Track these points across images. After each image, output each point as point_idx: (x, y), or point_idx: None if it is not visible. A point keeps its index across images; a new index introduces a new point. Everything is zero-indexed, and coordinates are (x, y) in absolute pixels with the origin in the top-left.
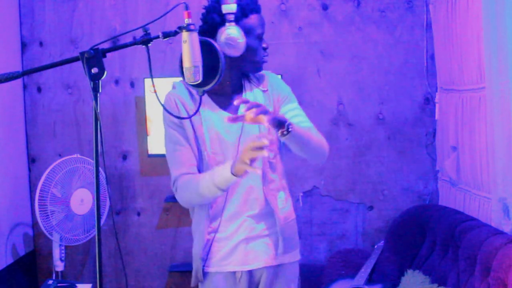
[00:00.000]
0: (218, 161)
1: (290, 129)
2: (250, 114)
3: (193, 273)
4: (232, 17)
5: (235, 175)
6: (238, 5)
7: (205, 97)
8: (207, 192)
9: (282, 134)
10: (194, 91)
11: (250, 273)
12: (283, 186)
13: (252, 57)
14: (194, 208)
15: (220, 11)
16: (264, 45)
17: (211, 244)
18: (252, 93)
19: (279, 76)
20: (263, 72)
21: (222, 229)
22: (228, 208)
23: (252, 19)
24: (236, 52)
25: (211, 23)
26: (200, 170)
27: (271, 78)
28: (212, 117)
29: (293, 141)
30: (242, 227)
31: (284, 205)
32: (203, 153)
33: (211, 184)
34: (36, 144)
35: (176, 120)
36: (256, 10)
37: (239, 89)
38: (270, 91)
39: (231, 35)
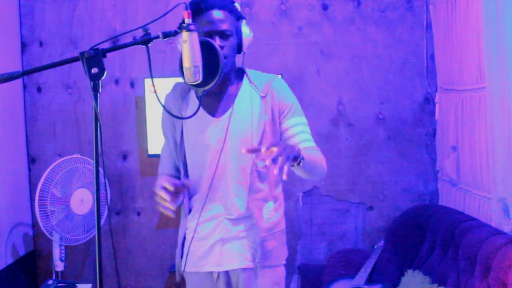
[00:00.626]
0: (194, 163)
1: (301, 163)
2: (268, 158)
3: (176, 269)
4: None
5: None
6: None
7: (193, 99)
8: None
9: (292, 165)
10: (192, 92)
11: (227, 274)
12: (274, 195)
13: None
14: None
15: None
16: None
17: (189, 244)
18: (249, 97)
19: (279, 78)
20: (271, 76)
21: (199, 229)
22: (207, 210)
23: (199, 20)
24: None
25: None
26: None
27: (276, 84)
28: (194, 119)
29: (301, 170)
30: (218, 228)
31: (271, 215)
32: (178, 154)
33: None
34: (36, 144)
35: (165, 127)
36: (201, 9)
37: (234, 91)
38: (269, 98)
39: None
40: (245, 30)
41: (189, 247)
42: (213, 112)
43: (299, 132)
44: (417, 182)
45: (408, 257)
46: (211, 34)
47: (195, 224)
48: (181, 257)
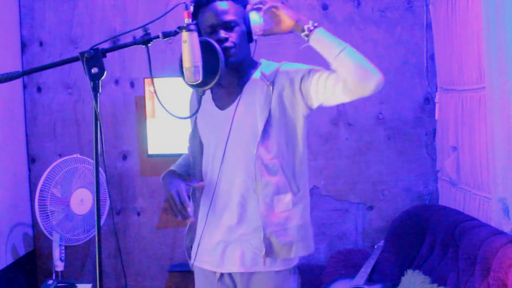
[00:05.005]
0: (206, 155)
1: (309, 33)
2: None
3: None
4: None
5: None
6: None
7: (208, 94)
8: None
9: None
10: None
11: (230, 275)
12: (294, 187)
13: None
14: None
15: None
16: (218, 37)
17: (199, 239)
18: (257, 88)
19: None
20: (277, 64)
21: (207, 225)
22: (212, 207)
23: (201, 15)
24: None
25: None
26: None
27: (283, 66)
28: (204, 113)
29: (319, 47)
30: (223, 228)
31: (286, 208)
32: (197, 147)
33: None
34: (36, 144)
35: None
36: (202, 3)
37: (242, 82)
38: (276, 83)
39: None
40: (254, 16)
41: (199, 241)
42: (220, 104)
43: (318, 78)
44: (417, 182)
45: (408, 257)
46: (215, 27)
47: (204, 221)
48: (187, 249)
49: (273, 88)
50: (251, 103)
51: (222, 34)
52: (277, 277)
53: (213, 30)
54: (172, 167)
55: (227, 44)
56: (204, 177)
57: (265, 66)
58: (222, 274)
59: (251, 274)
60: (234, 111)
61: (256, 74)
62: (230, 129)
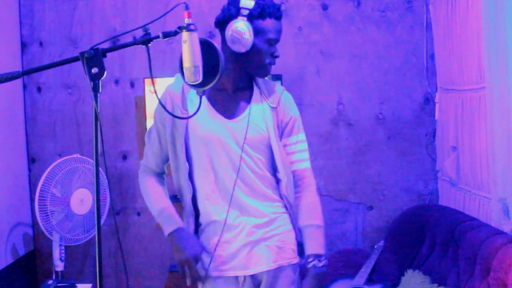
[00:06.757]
0: (204, 161)
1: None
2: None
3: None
4: (245, 12)
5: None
6: (257, 4)
7: (203, 99)
8: (152, 211)
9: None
10: (190, 89)
11: (253, 276)
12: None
13: (257, 59)
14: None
15: (238, 4)
16: (275, 53)
17: (215, 249)
18: (261, 106)
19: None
20: (279, 86)
21: (224, 233)
22: (229, 215)
23: (268, 22)
24: (239, 48)
25: (226, 14)
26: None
27: (284, 96)
28: (203, 117)
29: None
30: (243, 232)
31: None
32: (178, 156)
33: (156, 214)
34: (36, 144)
35: (160, 118)
36: (276, 15)
37: (247, 96)
38: (279, 109)
39: (237, 29)
40: None
41: (214, 252)
42: (225, 113)
43: (299, 150)
44: (417, 182)
45: (408, 257)
46: (275, 41)
47: (221, 229)
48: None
49: (277, 112)
50: (259, 116)
51: (277, 50)
52: (294, 269)
53: (272, 43)
54: (178, 223)
55: (273, 62)
56: (208, 180)
57: (262, 83)
58: (244, 278)
59: (276, 270)
60: (247, 126)
61: (256, 88)
62: (246, 137)
